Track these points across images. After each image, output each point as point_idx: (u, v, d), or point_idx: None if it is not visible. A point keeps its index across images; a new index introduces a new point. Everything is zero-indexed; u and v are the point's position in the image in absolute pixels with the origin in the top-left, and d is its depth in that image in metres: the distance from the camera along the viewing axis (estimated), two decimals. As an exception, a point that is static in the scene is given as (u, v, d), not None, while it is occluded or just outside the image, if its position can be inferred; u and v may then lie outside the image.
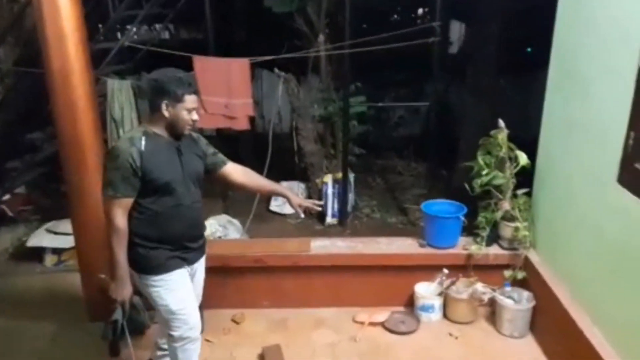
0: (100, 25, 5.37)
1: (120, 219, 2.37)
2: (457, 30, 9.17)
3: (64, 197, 3.56)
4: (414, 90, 8.03)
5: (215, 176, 2.78)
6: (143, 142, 2.36)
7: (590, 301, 2.86)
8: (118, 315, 2.47)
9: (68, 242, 4.34)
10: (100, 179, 2.43)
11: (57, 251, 4.58)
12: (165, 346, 2.79)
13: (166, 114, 2.40)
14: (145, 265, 2.50)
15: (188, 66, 4.55)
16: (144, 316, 2.60)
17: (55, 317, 3.71)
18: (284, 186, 2.92)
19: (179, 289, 2.57)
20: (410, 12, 9.66)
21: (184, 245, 2.57)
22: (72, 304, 3.78)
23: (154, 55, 4.87)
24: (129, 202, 2.39)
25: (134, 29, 5.42)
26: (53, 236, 4.59)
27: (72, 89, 3.19)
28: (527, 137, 3.59)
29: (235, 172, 2.81)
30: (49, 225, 4.73)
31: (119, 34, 6.04)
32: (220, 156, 2.78)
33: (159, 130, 2.46)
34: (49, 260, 4.59)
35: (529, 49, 7.43)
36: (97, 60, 4.50)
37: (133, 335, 2.54)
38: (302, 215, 2.94)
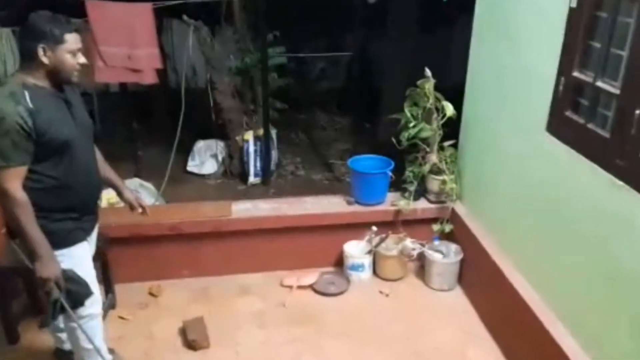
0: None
1: (20, 191, 2.03)
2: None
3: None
4: (334, 40, 7.75)
5: None
6: (28, 98, 1.99)
7: (516, 251, 2.85)
8: (56, 294, 2.16)
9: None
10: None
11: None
12: (62, 325, 2.52)
13: (45, 60, 2.03)
14: None
15: (81, 15, 3.99)
16: (84, 285, 2.29)
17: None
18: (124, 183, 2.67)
19: (82, 264, 2.31)
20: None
21: (86, 210, 2.30)
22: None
23: (38, 3, 4.22)
24: (24, 170, 2.04)
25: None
26: None
27: None
28: (447, 86, 3.45)
29: None
30: None
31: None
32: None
33: (40, 81, 2.07)
34: None
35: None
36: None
37: (74, 309, 2.26)
38: (139, 210, 2.64)
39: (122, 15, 3.89)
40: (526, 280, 2.73)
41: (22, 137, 1.97)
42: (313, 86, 7.87)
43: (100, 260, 3.04)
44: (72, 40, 2.06)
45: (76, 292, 2.23)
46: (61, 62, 2.06)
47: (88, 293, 2.29)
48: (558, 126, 2.45)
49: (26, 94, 2.00)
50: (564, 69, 2.38)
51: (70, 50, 2.06)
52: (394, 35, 5.85)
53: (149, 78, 4.14)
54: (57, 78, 2.10)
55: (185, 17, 4.62)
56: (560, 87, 2.41)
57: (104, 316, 3.05)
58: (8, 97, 1.97)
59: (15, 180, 2.02)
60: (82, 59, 2.12)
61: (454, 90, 3.44)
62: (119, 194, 2.61)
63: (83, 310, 2.32)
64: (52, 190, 2.13)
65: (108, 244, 3.06)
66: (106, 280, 3.16)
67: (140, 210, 2.63)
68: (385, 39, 6.28)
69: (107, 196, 3.69)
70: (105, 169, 2.53)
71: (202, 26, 4.80)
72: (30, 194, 2.06)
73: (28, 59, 2.06)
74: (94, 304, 2.39)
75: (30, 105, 1.98)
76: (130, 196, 2.61)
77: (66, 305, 2.19)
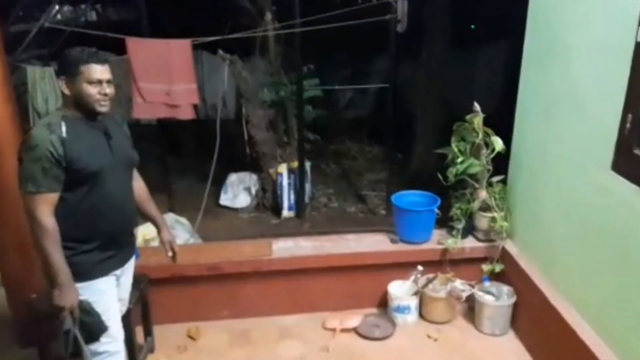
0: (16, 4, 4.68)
1: (48, 217, 2.06)
2: (400, 8, 8.94)
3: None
4: (361, 70, 7.73)
5: None
6: (64, 128, 2.07)
7: (576, 293, 2.68)
8: (69, 324, 2.13)
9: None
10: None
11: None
12: None
13: (66, 91, 2.13)
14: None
15: (121, 51, 4.01)
16: (98, 319, 2.24)
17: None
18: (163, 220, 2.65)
19: (104, 298, 2.27)
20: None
21: (116, 243, 2.29)
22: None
23: (80, 39, 4.26)
24: (54, 197, 2.08)
25: (56, 9, 4.77)
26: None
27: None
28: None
29: (136, 179, 2.52)
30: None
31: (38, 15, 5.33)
32: (136, 154, 2.45)
33: (74, 113, 2.15)
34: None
35: (472, 26, 7.32)
36: (13, 44, 3.91)
37: (89, 344, 2.21)
38: (170, 254, 2.60)
39: (161, 51, 3.90)
40: (588, 324, 2.55)
41: (52, 164, 2.03)
42: (342, 115, 7.83)
43: (141, 302, 2.97)
44: (89, 70, 2.09)
45: (89, 325, 2.19)
46: (79, 91, 2.10)
47: (102, 328, 2.24)
48: (626, 165, 2.31)
49: (63, 124, 2.07)
50: (630, 106, 2.26)
51: (88, 80, 2.09)
52: (424, 64, 5.80)
53: (186, 113, 4.12)
54: (84, 108, 2.14)
55: (221, 51, 4.62)
56: (628, 125, 2.28)
57: (143, 361, 2.98)
58: (44, 127, 2.06)
59: (44, 207, 2.05)
60: (106, 90, 2.13)
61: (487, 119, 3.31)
62: (158, 232, 2.62)
63: (98, 347, 2.27)
64: (77, 220, 2.13)
65: (148, 285, 2.99)
66: (146, 323, 3.07)
67: (170, 254, 2.61)
68: (414, 67, 6.23)
69: (143, 232, 3.64)
70: (149, 205, 2.56)
71: (237, 60, 4.80)
72: (59, 223, 2.08)
73: (61, 93, 2.16)
74: (115, 341, 2.34)
75: (64, 135, 2.05)
76: (168, 238, 2.61)
77: (79, 338, 2.14)
